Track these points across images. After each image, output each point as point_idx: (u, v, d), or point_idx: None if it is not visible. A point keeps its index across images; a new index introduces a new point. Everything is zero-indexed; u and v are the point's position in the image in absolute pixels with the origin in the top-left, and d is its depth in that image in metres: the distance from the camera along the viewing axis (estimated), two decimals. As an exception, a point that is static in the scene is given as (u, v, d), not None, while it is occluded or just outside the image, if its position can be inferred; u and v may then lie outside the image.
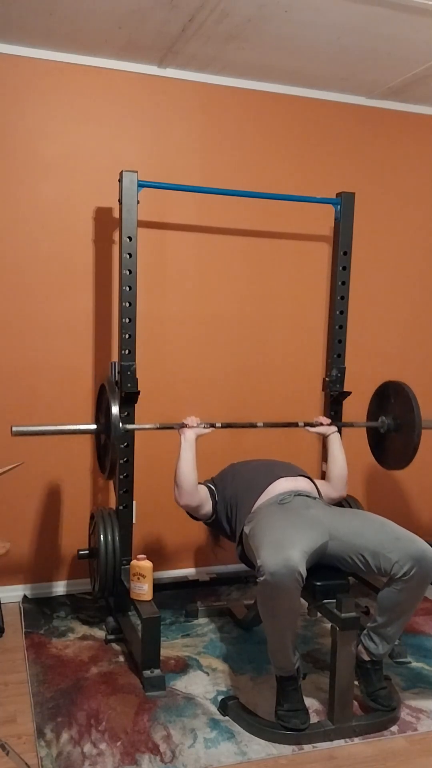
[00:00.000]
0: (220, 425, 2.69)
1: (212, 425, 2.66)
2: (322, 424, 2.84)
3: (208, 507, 2.65)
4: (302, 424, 2.84)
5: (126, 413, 2.79)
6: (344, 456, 2.78)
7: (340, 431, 2.87)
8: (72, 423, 2.81)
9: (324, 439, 2.87)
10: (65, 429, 2.68)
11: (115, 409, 2.47)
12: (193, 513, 2.68)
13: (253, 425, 2.82)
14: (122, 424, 2.56)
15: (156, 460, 3.18)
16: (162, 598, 3.00)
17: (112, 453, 2.51)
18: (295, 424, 2.84)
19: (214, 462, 2.80)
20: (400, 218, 3.58)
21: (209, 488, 2.68)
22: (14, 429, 2.48)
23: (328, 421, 2.87)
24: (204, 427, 2.64)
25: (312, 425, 2.84)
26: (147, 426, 2.71)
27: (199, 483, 2.64)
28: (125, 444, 2.80)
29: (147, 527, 3.28)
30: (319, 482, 2.71)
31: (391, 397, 2.90)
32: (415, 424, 2.72)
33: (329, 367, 3.11)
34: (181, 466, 2.56)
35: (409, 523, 3.70)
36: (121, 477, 2.81)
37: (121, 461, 2.80)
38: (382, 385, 2.97)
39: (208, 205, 3.23)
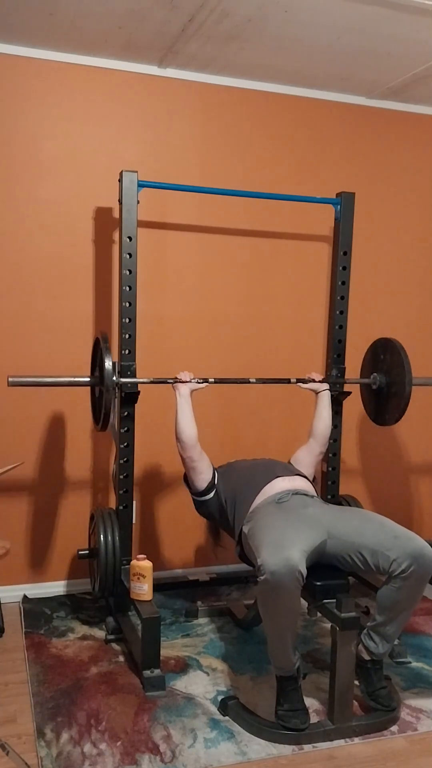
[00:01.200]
0: (213, 380, 2.74)
1: (205, 380, 2.72)
2: (314, 381, 2.89)
3: (207, 475, 2.67)
4: (294, 380, 2.89)
5: (126, 413, 2.79)
6: (330, 413, 2.89)
7: (331, 390, 2.94)
8: (69, 375, 2.81)
9: (315, 396, 2.92)
10: (61, 381, 2.72)
11: (108, 362, 2.54)
12: (192, 473, 2.67)
13: (246, 381, 2.88)
14: (116, 377, 2.63)
15: (156, 460, 3.19)
16: (162, 598, 3.00)
17: (106, 403, 2.56)
18: (288, 380, 2.90)
19: (211, 450, 2.80)
20: (400, 218, 3.59)
21: (212, 467, 2.70)
22: (10, 380, 2.53)
23: (321, 376, 2.93)
24: (197, 382, 2.69)
25: (304, 381, 2.90)
26: (142, 380, 2.73)
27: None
28: (125, 444, 2.80)
29: (147, 527, 3.28)
30: (302, 448, 2.82)
31: (381, 354, 2.97)
32: (406, 377, 2.79)
33: (329, 366, 3.11)
34: (179, 420, 2.62)
35: (409, 522, 3.70)
36: (121, 477, 2.81)
37: (121, 461, 2.80)
38: (374, 343, 3.04)
39: (208, 205, 3.23)
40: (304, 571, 2.04)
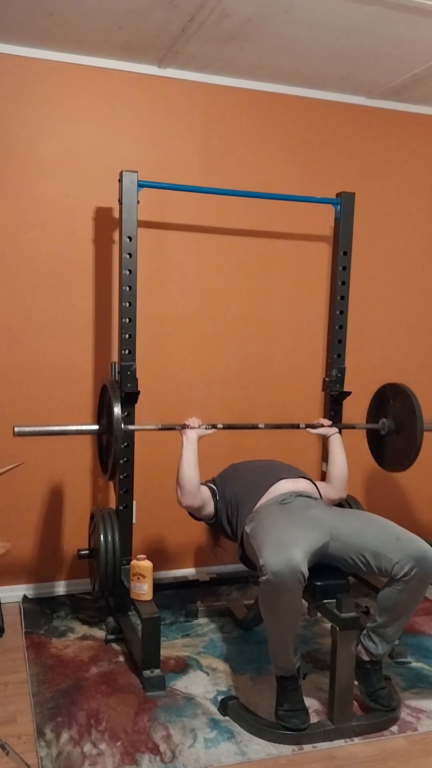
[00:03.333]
0: (221, 426, 2.69)
1: (214, 426, 2.66)
2: (323, 426, 2.84)
3: (210, 508, 2.65)
4: (303, 425, 2.84)
5: (126, 413, 2.79)
6: (345, 458, 2.78)
7: (340, 432, 2.87)
8: (73, 423, 2.80)
9: (325, 440, 2.87)
10: (67, 429, 2.67)
11: (117, 410, 2.47)
12: (195, 514, 2.68)
13: (254, 426, 2.82)
14: (124, 424, 2.56)
15: (156, 459, 3.19)
16: (162, 598, 3.00)
17: (114, 453, 2.51)
18: (297, 426, 2.85)
19: (215, 460, 2.80)
20: (400, 218, 3.58)
21: (210, 489, 2.68)
22: (16, 429, 2.49)
23: (329, 422, 2.87)
24: (206, 428, 2.64)
25: (313, 426, 2.84)
26: (149, 427, 2.71)
27: (201, 483, 2.64)
28: (125, 444, 2.80)
29: (147, 527, 3.28)
30: (319, 484, 2.71)
31: (390, 399, 2.89)
32: (417, 425, 2.71)
33: (329, 367, 3.11)
34: (184, 467, 2.56)
35: (409, 523, 3.70)
36: (121, 477, 2.81)
37: (122, 461, 2.80)
38: (381, 387, 2.97)
39: (208, 205, 3.23)
40: (306, 572, 2.04)
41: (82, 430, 2.70)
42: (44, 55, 2.92)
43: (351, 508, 3.05)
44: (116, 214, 2.99)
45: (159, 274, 3.20)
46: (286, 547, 2.06)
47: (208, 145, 3.22)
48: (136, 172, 2.71)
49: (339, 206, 3.03)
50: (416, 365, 3.69)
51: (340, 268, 3.06)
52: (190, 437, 2.60)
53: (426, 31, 2.66)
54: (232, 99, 3.23)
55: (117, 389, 2.62)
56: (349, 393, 3.08)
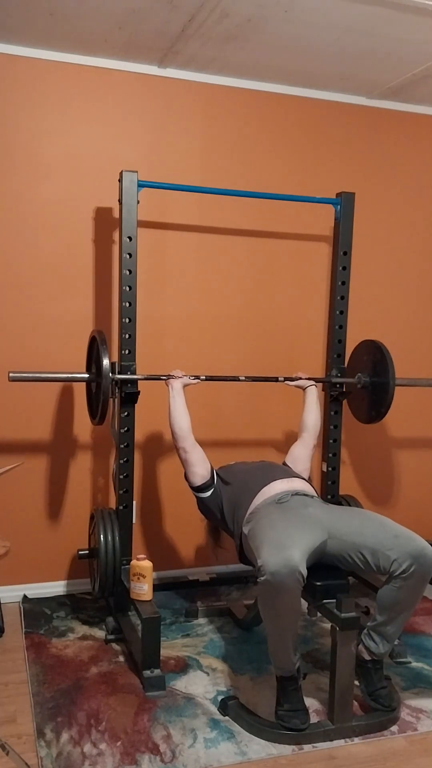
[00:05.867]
0: (204, 377, 2.84)
1: (197, 377, 2.80)
2: (301, 378, 2.98)
3: (201, 470, 2.66)
4: (282, 378, 2.98)
5: (126, 413, 2.79)
6: (318, 406, 3.00)
7: (333, 389, 3.04)
8: (67, 371, 2.88)
9: (303, 392, 3.01)
10: (60, 377, 2.83)
11: (105, 360, 2.60)
12: (186, 465, 2.67)
13: (236, 378, 2.98)
14: (112, 373, 2.70)
15: (156, 459, 3.18)
16: (162, 598, 3.00)
17: (104, 395, 2.62)
18: (276, 379, 2.98)
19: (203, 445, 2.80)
20: (400, 218, 3.58)
21: (209, 464, 2.69)
22: (11, 375, 2.60)
23: (307, 375, 3.02)
24: (190, 378, 2.78)
25: (292, 379, 2.99)
26: (137, 376, 2.78)
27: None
28: (125, 444, 2.80)
29: (147, 527, 3.28)
30: (297, 444, 2.90)
31: (365, 355, 3.03)
32: (390, 378, 2.84)
33: (329, 367, 3.12)
34: (172, 412, 2.70)
35: (408, 522, 3.70)
36: (121, 477, 2.81)
37: (121, 461, 2.80)
38: (360, 344, 3.08)
39: (208, 205, 3.23)
40: (305, 572, 2.04)
41: (73, 378, 2.83)
42: (44, 55, 2.93)
43: (349, 506, 3.05)
44: (116, 214, 2.99)
45: (159, 274, 3.20)
46: (284, 547, 2.06)
47: (208, 145, 3.22)
48: (136, 172, 2.71)
49: (339, 206, 3.03)
50: (417, 365, 3.68)
51: (340, 268, 3.06)
52: (176, 387, 2.74)
53: (426, 31, 2.66)
54: (232, 99, 3.23)
55: (105, 340, 2.69)
56: (348, 393, 3.08)
